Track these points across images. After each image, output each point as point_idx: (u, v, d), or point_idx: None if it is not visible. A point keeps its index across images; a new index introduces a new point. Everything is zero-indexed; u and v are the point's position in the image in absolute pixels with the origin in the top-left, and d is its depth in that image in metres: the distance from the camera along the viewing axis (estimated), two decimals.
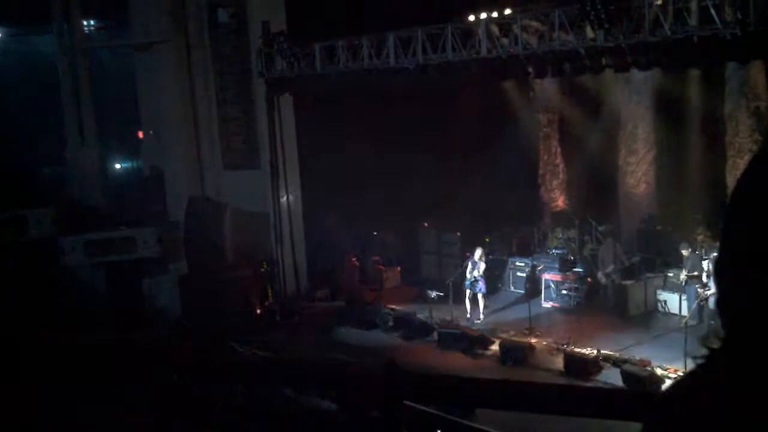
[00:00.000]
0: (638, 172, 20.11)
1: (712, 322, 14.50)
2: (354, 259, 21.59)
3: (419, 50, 17.20)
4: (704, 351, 1.09)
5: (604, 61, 14.87)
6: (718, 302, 1.09)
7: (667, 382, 13.46)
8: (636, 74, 17.03)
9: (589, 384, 13.66)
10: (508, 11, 16.80)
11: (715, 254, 1.12)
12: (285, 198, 21.00)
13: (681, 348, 13.61)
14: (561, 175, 22.18)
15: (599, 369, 14.49)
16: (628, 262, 17.77)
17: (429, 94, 20.06)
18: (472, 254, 17.80)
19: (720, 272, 1.08)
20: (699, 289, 15.25)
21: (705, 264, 15.15)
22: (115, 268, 21.24)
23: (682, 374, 1.15)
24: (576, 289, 18.16)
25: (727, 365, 1.05)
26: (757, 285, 1.01)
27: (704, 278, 15.16)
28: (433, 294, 18.16)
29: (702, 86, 17.74)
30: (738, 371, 1.02)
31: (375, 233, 22.29)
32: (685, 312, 15.87)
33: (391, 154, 21.30)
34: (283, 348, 17.33)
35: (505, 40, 16.03)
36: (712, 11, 12.92)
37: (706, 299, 14.81)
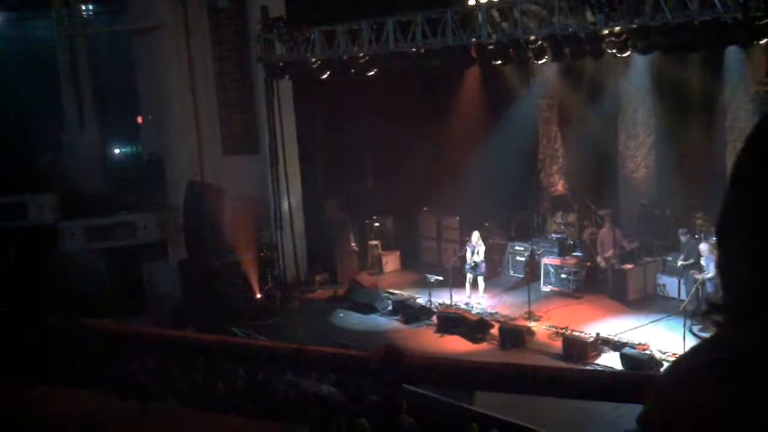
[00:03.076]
0: (638, 156, 20.11)
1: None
2: (353, 244, 21.61)
3: (419, 35, 17.15)
4: (706, 325, 1.09)
5: (604, 45, 14.83)
6: (720, 268, 1.10)
7: (666, 365, 13.53)
8: (636, 58, 17.00)
9: (587, 367, 13.74)
10: None
11: (714, 239, 1.13)
12: (284, 182, 20.96)
13: (680, 332, 13.68)
14: (560, 160, 22.17)
15: (598, 352, 14.55)
16: (627, 246, 17.81)
17: (429, 79, 20.02)
18: (470, 238, 17.86)
19: (722, 238, 1.10)
20: (696, 275, 15.29)
21: (702, 247, 15.17)
22: (115, 254, 21.27)
23: (682, 354, 1.14)
24: (575, 274, 18.19)
25: (732, 339, 1.05)
26: (760, 249, 1.02)
27: (702, 262, 15.19)
28: (433, 278, 18.20)
29: (702, 70, 17.71)
30: (743, 343, 1.02)
31: (374, 218, 22.31)
32: (683, 296, 15.94)
33: (390, 138, 21.29)
34: (283, 333, 17.40)
35: (504, 25, 15.98)
36: None
37: (704, 283, 14.85)
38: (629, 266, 17.46)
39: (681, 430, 1.01)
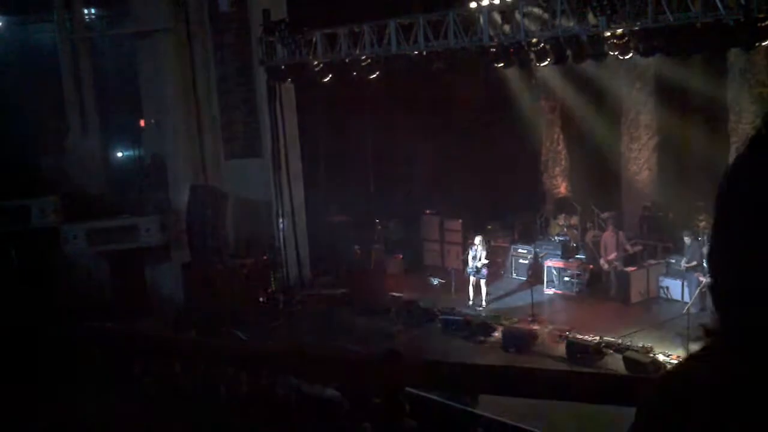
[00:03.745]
0: (641, 158, 20.09)
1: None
2: (356, 247, 21.60)
3: (421, 37, 17.15)
4: (702, 336, 1.10)
5: (606, 47, 14.82)
6: (711, 287, 1.10)
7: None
8: (638, 60, 16.98)
9: (591, 370, 13.70)
10: None
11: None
12: (287, 185, 20.97)
13: (683, 334, 13.65)
14: (563, 162, 22.16)
15: (601, 356, 14.52)
16: (630, 248, 17.79)
17: (431, 82, 20.02)
18: (473, 241, 17.86)
19: (713, 257, 1.10)
20: (700, 277, 15.26)
21: (706, 249, 15.15)
22: (117, 257, 21.27)
23: (681, 359, 1.17)
24: (578, 276, 18.18)
25: (724, 349, 1.06)
26: (748, 269, 1.02)
27: (705, 264, 15.17)
28: (436, 281, 18.18)
29: (705, 72, 17.68)
30: (734, 355, 1.03)
31: (377, 220, 22.30)
32: (687, 299, 15.89)
33: (392, 141, 21.29)
34: (286, 336, 17.39)
35: (507, 27, 15.97)
36: None
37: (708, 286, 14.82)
38: (632, 269, 17.44)
39: (675, 409, 1.02)
